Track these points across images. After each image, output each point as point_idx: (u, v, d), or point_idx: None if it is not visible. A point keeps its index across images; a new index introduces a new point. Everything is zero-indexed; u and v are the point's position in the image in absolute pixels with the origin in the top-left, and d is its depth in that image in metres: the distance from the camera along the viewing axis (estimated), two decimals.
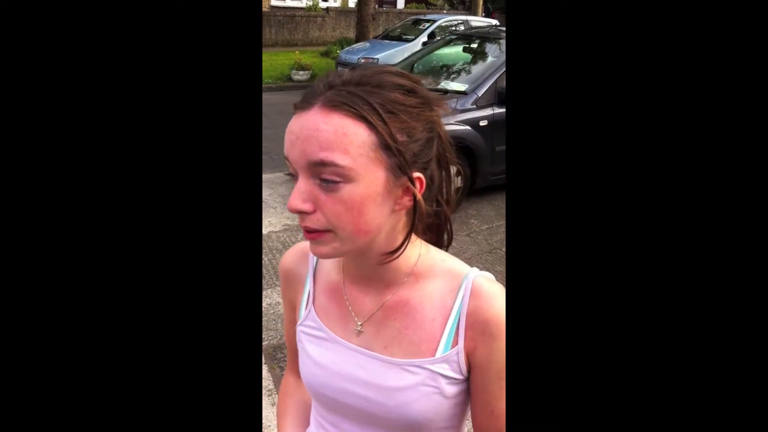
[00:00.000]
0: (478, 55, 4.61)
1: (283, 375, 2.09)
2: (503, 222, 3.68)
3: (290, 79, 9.06)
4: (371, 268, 0.62)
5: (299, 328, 0.69)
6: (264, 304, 2.61)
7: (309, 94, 0.54)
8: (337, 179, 0.51)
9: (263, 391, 2.04)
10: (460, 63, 4.56)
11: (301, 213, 0.53)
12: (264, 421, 1.93)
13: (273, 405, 1.99)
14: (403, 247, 0.59)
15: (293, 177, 0.55)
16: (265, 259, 3.07)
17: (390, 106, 0.53)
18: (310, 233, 0.54)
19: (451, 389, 0.61)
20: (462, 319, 0.60)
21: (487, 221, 3.70)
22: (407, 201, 0.56)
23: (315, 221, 0.53)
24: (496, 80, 3.88)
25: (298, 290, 0.71)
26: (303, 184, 0.53)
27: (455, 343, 0.60)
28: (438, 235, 0.67)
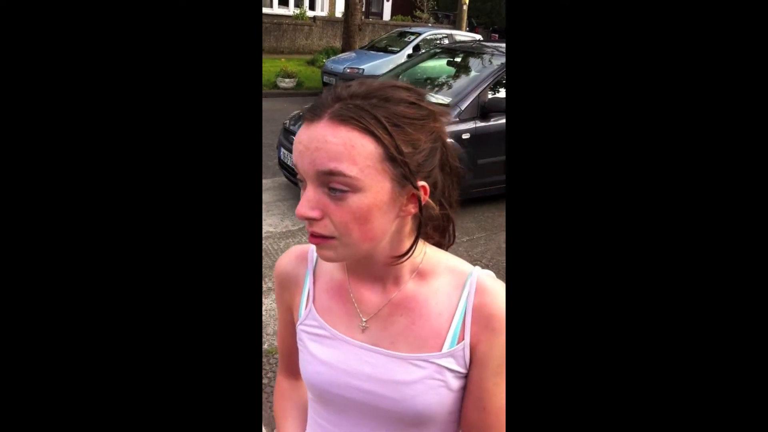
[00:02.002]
0: (462, 69, 4.68)
1: (263, 384, 2.10)
2: (483, 234, 3.73)
3: (276, 86, 9.05)
4: (378, 268, 0.64)
5: (300, 328, 0.70)
6: None
7: (318, 106, 0.56)
8: (345, 188, 0.53)
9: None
10: (444, 76, 4.63)
11: (310, 219, 0.55)
12: None
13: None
14: (411, 252, 0.62)
15: (302, 183, 0.57)
16: None
17: (395, 119, 0.55)
18: (316, 238, 0.57)
19: (456, 383, 0.63)
20: (468, 315, 0.63)
21: (468, 233, 3.75)
22: (412, 208, 0.59)
23: (323, 227, 0.56)
24: (479, 94, 3.95)
25: (295, 292, 0.72)
26: (311, 193, 0.55)
27: (461, 338, 0.63)
28: (441, 235, 0.70)
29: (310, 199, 0.55)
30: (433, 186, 0.61)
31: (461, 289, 0.64)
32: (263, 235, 3.48)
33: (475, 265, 0.67)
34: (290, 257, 0.74)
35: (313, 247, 0.73)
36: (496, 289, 0.64)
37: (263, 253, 3.22)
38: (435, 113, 0.60)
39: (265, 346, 2.35)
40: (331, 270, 0.70)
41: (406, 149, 0.55)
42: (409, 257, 0.62)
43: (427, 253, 0.66)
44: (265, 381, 2.15)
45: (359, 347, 0.65)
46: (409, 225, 0.62)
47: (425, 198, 0.59)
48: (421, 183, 0.58)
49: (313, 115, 0.55)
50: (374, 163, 0.54)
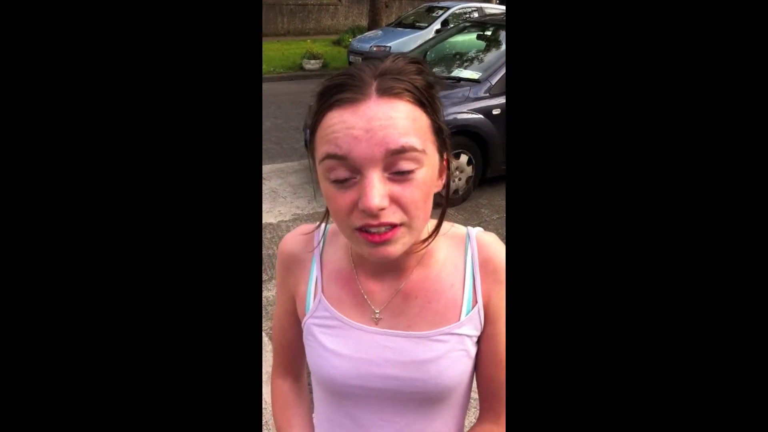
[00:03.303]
0: (492, 43, 4.52)
1: None
2: None
3: (302, 68, 9.02)
4: (393, 259, 0.58)
5: (309, 321, 0.64)
6: (272, 293, 2.61)
7: (356, 86, 0.51)
8: (414, 166, 0.50)
9: (265, 377, 2.04)
10: (474, 51, 4.48)
11: (381, 210, 0.50)
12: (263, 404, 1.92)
13: None
14: (439, 229, 0.61)
15: (341, 183, 0.51)
16: (273, 248, 3.06)
17: (429, 91, 0.54)
18: (383, 235, 0.52)
19: (474, 348, 0.63)
20: (477, 275, 0.62)
21: (498, 210, 3.66)
22: (441, 181, 0.57)
23: (391, 215, 0.51)
24: None
25: (300, 278, 0.66)
26: (378, 180, 0.50)
27: (475, 301, 0.62)
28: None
29: (378, 187, 0.49)
30: None
31: (464, 252, 0.63)
32: (291, 217, 3.48)
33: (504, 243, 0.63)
34: (296, 236, 0.67)
35: (320, 229, 0.67)
36: (494, 241, 0.64)
37: None
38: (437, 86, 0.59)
39: None
40: (338, 258, 0.65)
41: (440, 119, 0.55)
42: (435, 237, 0.60)
43: (428, 229, 0.62)
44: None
45: (378, 333, 0.62)
46: None
47: (445, 165, 0.58)
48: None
49: (355, 95, 0.50)
50: (429, 134, 0.53)
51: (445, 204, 0.60)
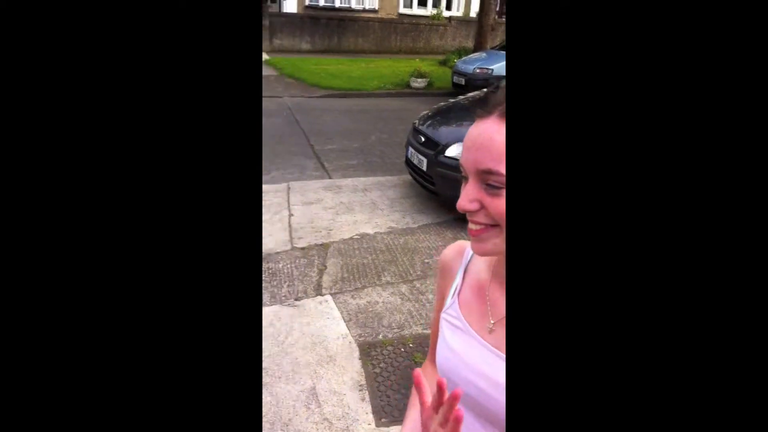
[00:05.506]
0: None
1: (375, 372, 2.18)
2: None
3: (409, 86, 9.26)
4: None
5: (442, 315, 0.76)
6: (365, 301, 2.72)
7: (489, 102, 0.58)
8: (501, 185, 0.56)
9: (355, 386, 2.14)
10: None
11: (469, 212, 0.59)
12: (353, 413, 2.01)
13: (363, 400, 2.07)
14: None
15: (465, 178, 0.61)
16: (368, 258, 3.19)
17: None
18: (475, 231, 0.60)
19: None
20: None
21: None
22: None
23: (482, 217, 0.59)
24: None
25: (448, 282, 0.79)
26: (471, 188, 0.59)
27: None
28: None
29: (468, 193, 0.58)
30: None
31: None
32: (386, 229, 3.59)
33: None
34: (452, 250, 0.80)
35: (470, 245, 0.78)
36: None
37: (385, 248, 3.33)
38: None
39: (370, 339, 2.44)
40: (480, 269, 0.75)
41: None
42: None
43: None
44: (377, 371, 2.23)
45: (484, 346, 0.68)
46: None
47: None
48: None
49: (483, 111, 0.58)
50: None
51: None
